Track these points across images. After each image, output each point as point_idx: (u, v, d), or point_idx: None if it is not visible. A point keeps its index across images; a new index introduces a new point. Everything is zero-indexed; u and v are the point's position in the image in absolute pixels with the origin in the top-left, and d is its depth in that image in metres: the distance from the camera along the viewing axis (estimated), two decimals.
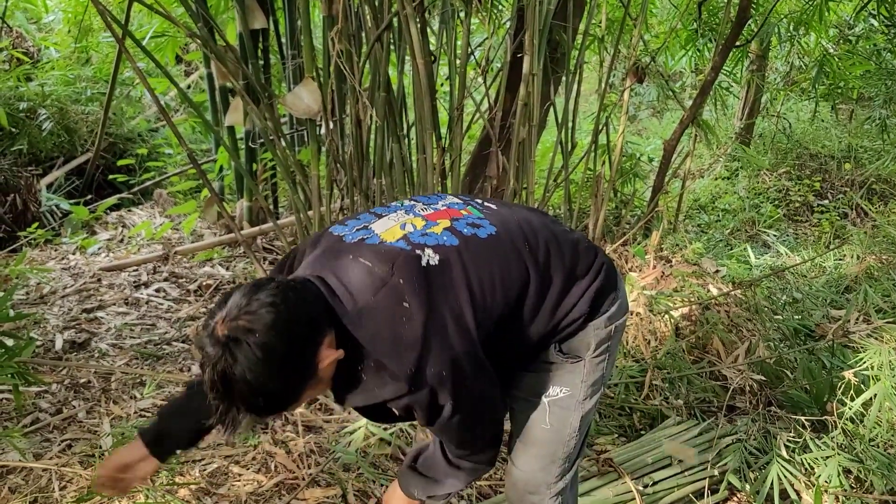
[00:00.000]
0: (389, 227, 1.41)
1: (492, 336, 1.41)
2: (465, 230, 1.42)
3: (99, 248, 4.19)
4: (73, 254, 4.08)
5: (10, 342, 2.45)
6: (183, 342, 3.12)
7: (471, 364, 1.34)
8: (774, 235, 5.46)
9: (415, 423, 1.68)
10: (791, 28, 4.83)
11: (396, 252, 1.33)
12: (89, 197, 5.09)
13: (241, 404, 1.22)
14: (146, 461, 1.57)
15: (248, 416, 1.25)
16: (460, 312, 1.33)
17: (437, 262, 1.34)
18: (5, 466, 2.17)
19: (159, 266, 3.86)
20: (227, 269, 3.88)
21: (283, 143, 3.16)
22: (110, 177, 5.27)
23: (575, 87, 3.38)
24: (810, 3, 4.45)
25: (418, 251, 1.34)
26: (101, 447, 2.33)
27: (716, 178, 6.60)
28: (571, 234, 1.57)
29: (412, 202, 1.53)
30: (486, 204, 1.55)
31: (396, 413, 1.44)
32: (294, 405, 1.34)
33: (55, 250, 4.14)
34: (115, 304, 3.42)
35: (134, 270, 3.81)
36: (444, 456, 1.58)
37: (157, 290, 3.60)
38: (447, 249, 1.37)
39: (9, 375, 2.29)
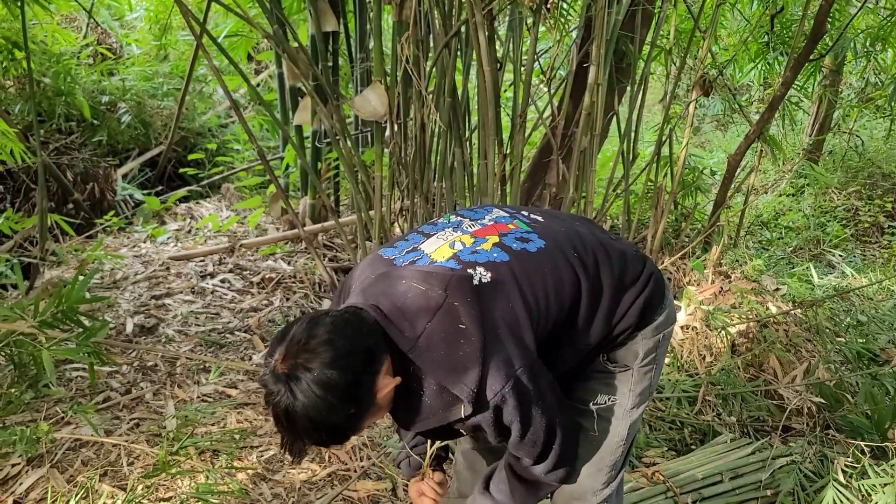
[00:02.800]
0: (439, 247, 1.44)
1: (550, 347, 1.43)
2: (515, 245, 1.44)
3: (168, 238, 4.36)
4: (144, 242, 4.26)
5: (87, 323, 2.60)
6: (245, 332, 3.24)
7: (532, 379, 1.35)
8: (840, 256, 5.30)
9: None
10: (868, 43, 4.68)
11: (448, 273, 1.36)
12: (160, 188, 5.32)
13: (304, 437, 1.28)
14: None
15: (313, 446, 1.32)
16: (517, 326, 1.35)
17: (489, 280, 1.36)
18: (79, 440, 2.30)
19: (225, 258, 4.00)
20: (289, 263, 3.99)
21: (349, 144, 3.24)
22: (181, 170, 5.49)
23: (640, 97, 3.37)
24: (888, 19, 4.32)
25: (469, 270, 1.37)
26: (165, 428, 2.45)
27: (780, 195, 6.44)
28: (619, 243, 1.58)
29: (459, 218, 1.55)
30: (532, 216, 1.56)
31: (464, 433, 1.47)
32: (356, 433, 1.38)
33: (128, 238, 4.33)
34: (182, 293, 3.56)
35: (200, 261, 3.96)
36: (514, 474, 1.55)
37: (222, 281, 3.73)
38: (498, 266, 1.39)
39: (85, 354, 2.43)
